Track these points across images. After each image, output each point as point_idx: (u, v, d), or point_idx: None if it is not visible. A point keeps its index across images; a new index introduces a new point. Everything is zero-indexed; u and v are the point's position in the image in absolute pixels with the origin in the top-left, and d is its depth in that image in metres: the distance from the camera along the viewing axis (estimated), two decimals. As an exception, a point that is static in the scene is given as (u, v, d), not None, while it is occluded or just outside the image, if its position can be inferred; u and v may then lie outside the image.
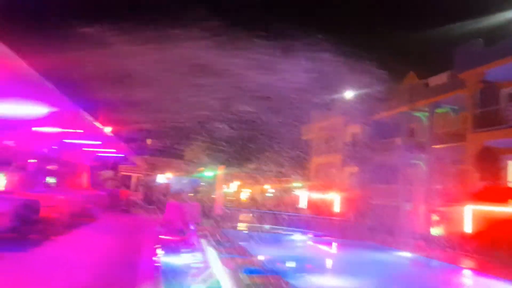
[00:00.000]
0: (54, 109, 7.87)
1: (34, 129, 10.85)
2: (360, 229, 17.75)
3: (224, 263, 7.13)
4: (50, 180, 17.10)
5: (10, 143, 11.31)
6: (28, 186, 13.43)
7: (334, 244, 16.87)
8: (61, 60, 5.10)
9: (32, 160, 14.31)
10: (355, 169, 24.71)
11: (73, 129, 11.48)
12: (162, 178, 28.04)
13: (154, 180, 27.49)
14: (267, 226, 18.22)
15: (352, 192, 23.50)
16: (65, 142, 14.55)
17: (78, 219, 13.18)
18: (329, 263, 14.21)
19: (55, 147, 15.30)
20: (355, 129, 26.29)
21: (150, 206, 23.61)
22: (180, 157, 29.39)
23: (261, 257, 10.44)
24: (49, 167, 17.02)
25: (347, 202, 23.89)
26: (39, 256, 8.39)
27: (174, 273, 7.28)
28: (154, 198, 24.74)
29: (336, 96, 24.22)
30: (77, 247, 10.11)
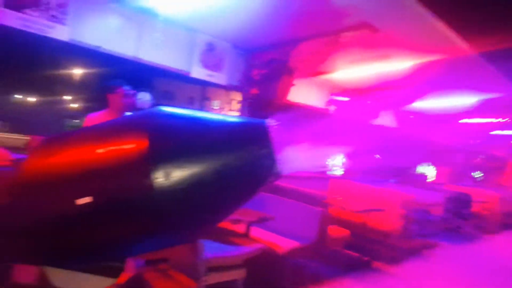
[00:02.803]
0: (488, 96, 7.21)
1: (461, 121, 10.70)
2: None
3: None
4: (477, 175, 16.45)
5: (437, 136, 11.81)
6: (456, 179, 13.54)
7: None
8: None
9: (459, 154, 14.34)
10: None
11: (502, 118, 10.27)
12: None
13: None
14: None
15: None
16: (491, 134, 13.43)
17: (511, 219, 11.69)
18: None
19: (480, 140, 14.49)
20: None
21: None
22: None
23: None
24: (475, 161, 16.46)
25: None
26: (472, 251, 8.08)
27: None
28: None
29: None
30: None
